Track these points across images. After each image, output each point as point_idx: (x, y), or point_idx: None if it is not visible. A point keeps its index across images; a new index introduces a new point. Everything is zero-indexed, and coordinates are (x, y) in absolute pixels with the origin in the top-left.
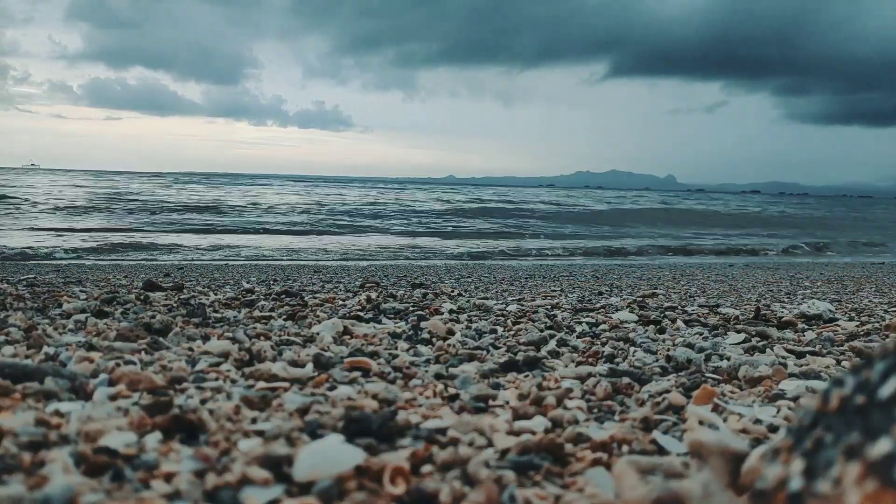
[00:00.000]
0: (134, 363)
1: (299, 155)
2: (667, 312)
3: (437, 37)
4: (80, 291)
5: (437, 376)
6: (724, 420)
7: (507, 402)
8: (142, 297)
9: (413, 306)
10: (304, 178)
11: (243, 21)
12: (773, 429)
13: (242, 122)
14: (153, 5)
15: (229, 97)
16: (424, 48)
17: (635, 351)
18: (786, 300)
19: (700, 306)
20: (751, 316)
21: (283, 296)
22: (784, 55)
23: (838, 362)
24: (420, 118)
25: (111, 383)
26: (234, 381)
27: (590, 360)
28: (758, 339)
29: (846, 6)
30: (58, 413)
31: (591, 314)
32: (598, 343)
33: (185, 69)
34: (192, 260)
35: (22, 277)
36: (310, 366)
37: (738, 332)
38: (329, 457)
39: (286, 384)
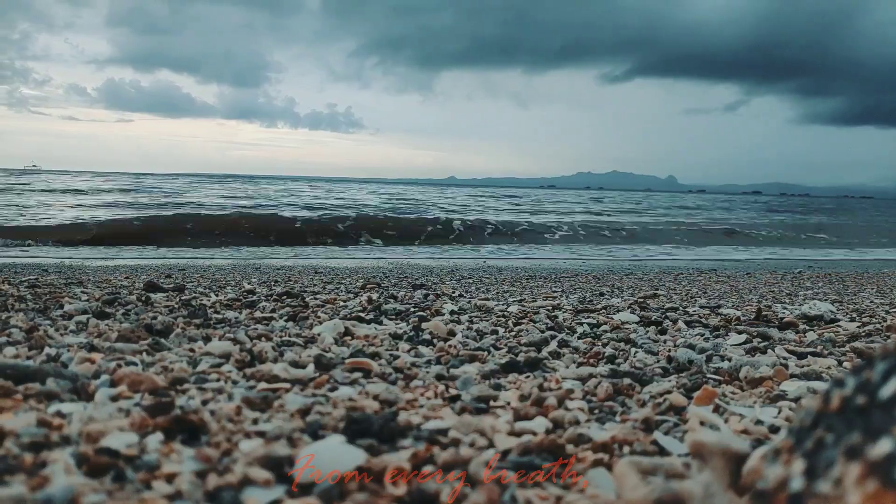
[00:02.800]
0: (135, 364)
1: (299, 156)
2: (668, 313)
3: (452, 41)
4: (82, 292)
5: (439, 377)
6: (726, 421)
7: (509, 403)
8: (143, 298)
9: (414, 307)
10: (313, 179)
11: (270, 26)
12: (775, 429)
13: (254, 124)
14: (188, 11)
15: (244, 99)
16: (437, 52)
17: (636, 352)
18: (787, 301)
19: (701, 307)
20: (752, 317)
21: (285, 297)
22: (798, 59)
23: (839, 363)
24: (426, 120)
25: (113, 384)
26: (235, 382)
27: (591, 360)
28: (759, 339)
29: (868, 13)
30: (59, 414)
31: (592, 315)
32: (600, 344)
33: (209, 72)
34: None
35: (23, 278)
36: (311, 367)
37: (740, 332)
38: (330, 457)
39: (287, 385)
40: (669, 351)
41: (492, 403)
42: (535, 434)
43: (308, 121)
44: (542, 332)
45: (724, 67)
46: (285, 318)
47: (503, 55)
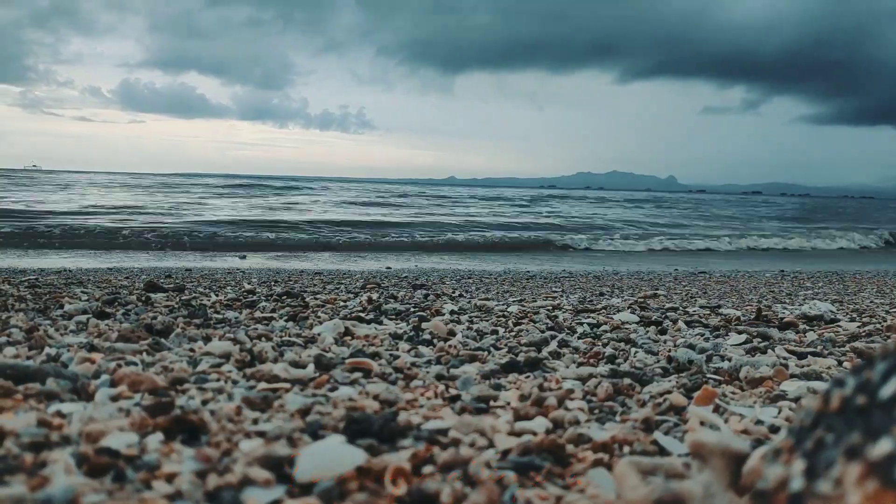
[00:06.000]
0: (135, 364)
1: (299, 156)
2: (668, 313)
3: (475, 43)
4: (82, 292)
5: (439, 377)
6: (726, 421)
7: (509, 403)
8: (143, 298)
9: (414, 307)
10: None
11: (300, 29)
12: (775, 429)
13: (267, 125)
14: (228, 15)
15: (259, 100)
16: (457, 55)
17: (636, 352)
18: (787, 301)
19: (701, 307)
20: (752, 317)
21: (285, 297)
22: (813, 61)
23: (840, 363)
24: (432, 121)
25: (113, 384)
26: (235, 382)
27: (591, 360)
28: (759, 339)
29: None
30: (59, 414)
31: (592, 315)
32: (600, 344)
33: (235, 74)
34: None
35: (24, 279)
36: (311, 367)
37: (740, 332)
38: (330, 457)
39: (287, 385)
40: (669, 351)
41: (492, 403)
42: (535, 434)
43: (319, 121)
44: (542, 332)
45: (738, 69)
46: (285, 318)
47: (524, 57)
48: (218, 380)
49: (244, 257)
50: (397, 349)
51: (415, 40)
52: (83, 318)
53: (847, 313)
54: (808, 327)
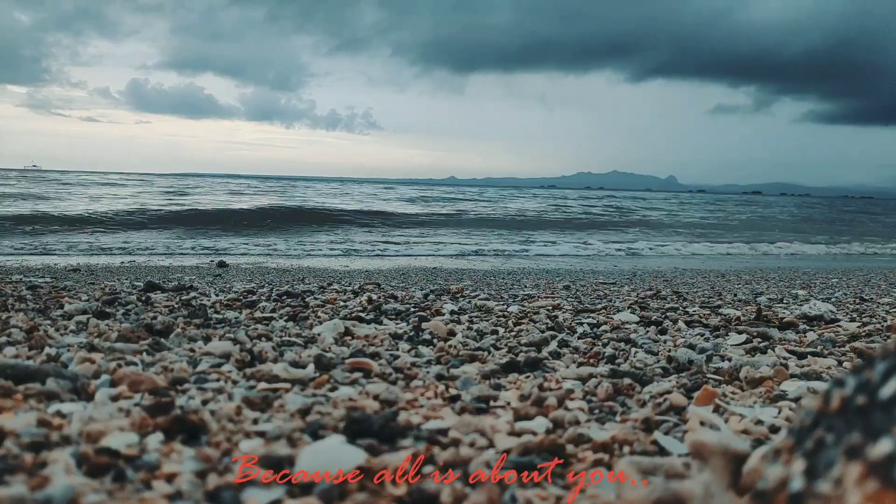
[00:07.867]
0: (135, 364)
1: (299, 156)
2: (668, 313)
3: (482, 42)
4: (82, 292)
5: (439, 377)
6: (726, 421)
7: (509, 403)
8: (143, 298)
9: (414, 307)
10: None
11: (316, 30)
12: (775, 430)
13: (274, 125)
14: (243, 16)
15: (267, 101)
16: (464, 54)
17: (636, 352)
18: (787, 301)
19: (701, 307)
20: (752, 317)
21: (285, 297)
22: (816, 62)
23: (840, 363)
24: (432, 120)
25: (113, 384)
26: (235, 382)
27: (591, 360)
28: (759, 339)
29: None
30: (59, 414)
31: (592, 315)
32: (600, 344)
33: (249, 75)
34: None
35: (23, 278)
36: (311, 367)
37: (740, 332)
38: (330, 457)
39: (287, 385)
40: (669, 351)
41: (492, 403)
42: (535, 434)
43: (325, 122)
44: (542, 332)
45: (745, 70)
46: (285, 317)
47: (539, 57)
48: (218, 380)
49: None
50: (397, 349)
51: (432, 40)
52: (83, 317)
53: (847, 313)
54: (808, 327)
